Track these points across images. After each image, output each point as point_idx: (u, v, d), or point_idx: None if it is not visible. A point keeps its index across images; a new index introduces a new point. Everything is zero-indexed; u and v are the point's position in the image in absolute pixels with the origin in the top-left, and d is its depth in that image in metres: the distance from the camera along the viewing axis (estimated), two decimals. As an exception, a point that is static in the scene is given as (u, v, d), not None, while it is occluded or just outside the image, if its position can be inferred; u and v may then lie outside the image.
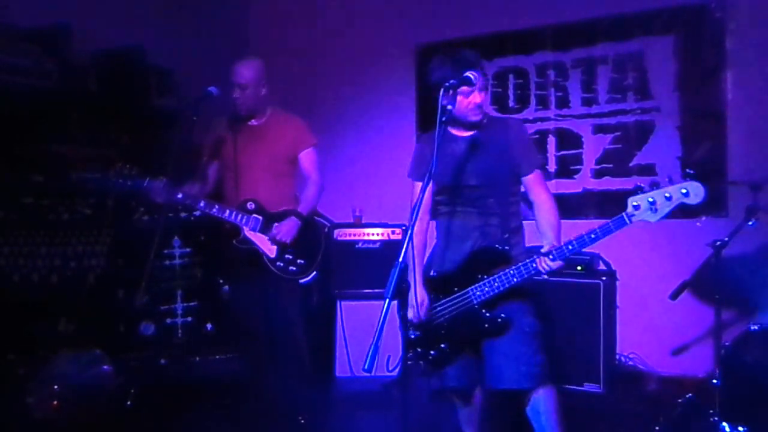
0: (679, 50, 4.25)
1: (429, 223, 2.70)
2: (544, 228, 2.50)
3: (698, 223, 3.96)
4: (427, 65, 2.54)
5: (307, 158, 3.42)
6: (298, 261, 3.29)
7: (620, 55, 4.42)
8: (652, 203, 2.06)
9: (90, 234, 3.94)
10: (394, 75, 5.17)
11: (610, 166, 4.47)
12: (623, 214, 2.16)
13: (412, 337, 2.59)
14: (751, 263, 3.67)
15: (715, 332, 3.28)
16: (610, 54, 4.44)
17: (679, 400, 3.29)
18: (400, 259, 1.96)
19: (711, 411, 3.04)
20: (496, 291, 2.40)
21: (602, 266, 4.02)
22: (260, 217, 3.27)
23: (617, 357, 4.06)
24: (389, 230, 4.34)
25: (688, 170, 2.13)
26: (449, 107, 2.26)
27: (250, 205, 3.28)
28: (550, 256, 2.31)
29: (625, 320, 4.03)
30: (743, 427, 2.94)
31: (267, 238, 3.26)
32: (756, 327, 3.18)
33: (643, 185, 2.19)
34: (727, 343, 3.21)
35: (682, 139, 4.25)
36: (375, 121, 5.24)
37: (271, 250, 3.27)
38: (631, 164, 4.40)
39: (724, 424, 2.97)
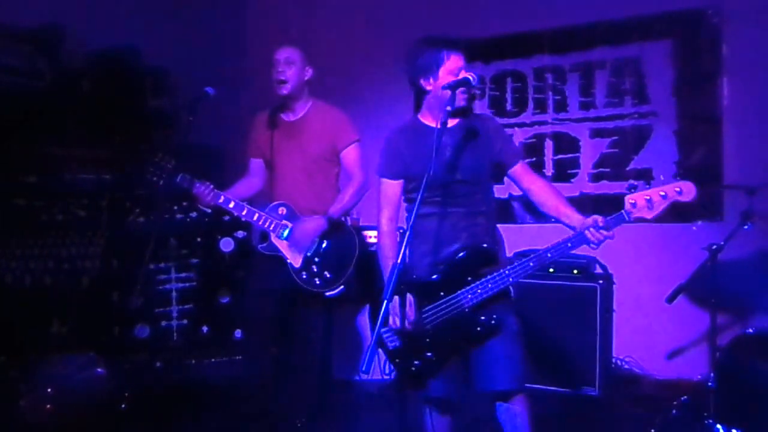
0: (677, 55, 4.26)
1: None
2: (557, 203, 2.35)
3: (694, 227, 3.97)
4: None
5: (348, 156, 3.24)
6: (325, 273, 3.07)
7: (618, 60, 4.43)
8: (649, 200, 2.17)
9: (84, 235, 3.90)
10: (391, 76, 5.14)
11: (607, 170, 4.47)
12: (622, 211, 2.21)
13: (391, 347, 2.38)
14: (747, 267, 3.67)
15: (710, 336, 3.29)
16: (608, 58, 4.45)
17: (675, 404, 3.30)
18: (398, 261, 1.96)
19: (706, 414, 3.04)
20: (490, 293, 2.27)
21: (599, 270, 4.01)
22: (289, 224, 3.11)
23: (613, 360, 4.05)
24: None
25: (680, 173, 2.28)
26: (448, 108, 2.20)
27: (282, 210, 3.14)
28: (605, 225, 2.20)
29: (622, 324, 4.03)
30: (738, 430, 2.94)
31: (294, 246, 3.11)
32: (751, 330, 3.19)
33: (636, 184, 2.25)
34: (722, 347, 3.22)
35: (679, 144, 4.25)
36: (371, 123, 5.22)
37: (296, 260, 3.09)
38: (628, 168, 4.39)
39: (719, 427, 2.97)
